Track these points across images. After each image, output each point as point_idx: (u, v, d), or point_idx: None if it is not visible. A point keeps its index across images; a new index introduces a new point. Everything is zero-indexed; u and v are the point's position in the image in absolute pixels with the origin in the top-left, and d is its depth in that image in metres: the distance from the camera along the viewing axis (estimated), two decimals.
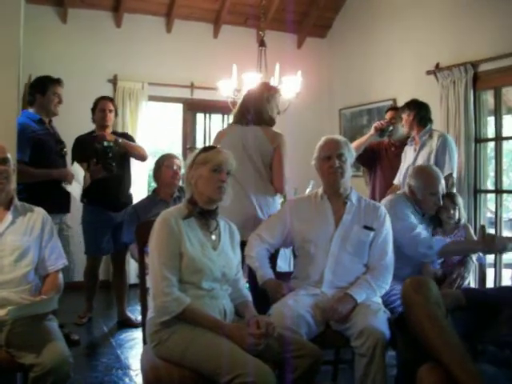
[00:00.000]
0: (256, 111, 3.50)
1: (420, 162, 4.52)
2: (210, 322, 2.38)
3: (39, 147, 4.04)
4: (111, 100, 4.90)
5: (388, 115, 5.12)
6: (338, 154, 3.00)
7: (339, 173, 2.98)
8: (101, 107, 4.71)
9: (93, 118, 4.78)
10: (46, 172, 4.05)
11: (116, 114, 4.89)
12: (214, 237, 2.59)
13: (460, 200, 3.74)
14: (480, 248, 3.28)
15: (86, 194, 4.42)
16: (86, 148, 4.49)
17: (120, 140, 4.59)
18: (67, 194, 4.23)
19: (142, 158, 4.86)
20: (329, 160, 3.00)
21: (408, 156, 4.75)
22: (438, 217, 3.63)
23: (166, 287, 2.37)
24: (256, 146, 3.45)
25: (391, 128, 4.99)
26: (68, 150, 4.44)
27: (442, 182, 3.57)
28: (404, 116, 4.72)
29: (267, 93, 3.56)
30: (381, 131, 4.99)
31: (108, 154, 4.34)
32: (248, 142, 3.46)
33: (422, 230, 3.37)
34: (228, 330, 2.36)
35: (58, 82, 4.18)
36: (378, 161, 5.18)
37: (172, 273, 2.40)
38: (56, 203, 4.01)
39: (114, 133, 4.80)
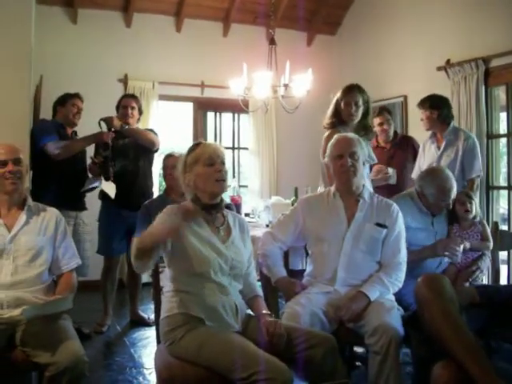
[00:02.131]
0: None
1: (445, 161, 4.39)
2: (155, 229, 2.30)
3: None
4: (134, 97, 5.03)
5: (377, 121, 4.97)
6: (350, 153, 2.98)
7: (351, 171, 2.96)
8: (123, 104, 4.85)
9: (117, 115, 4.85)
10: (84, 138, 4.54)
11: (140, 112, 4.96)
12: (222, 232, 2.60)
13: (474, 196, 3.69)
14: (435, 252, 3.25)
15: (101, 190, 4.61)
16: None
17: (126, 127, 4.66)
18: (81, 193, 4.50)
19: (151, 143, 4.78)
20: (341, 158, 2.99)
21: (430, 153, 4.59)
22: (454, 212, 3.52)
23: None
24: None
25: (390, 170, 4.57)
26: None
27: (455, 187, 3.43)
28: (426, 113, 4.50)
29: None
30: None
31: (107, 163, 4.47)
32: None
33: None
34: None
35: (76, 95, 4.61)
36: None
37: None
38: (71, 201, 4.32)
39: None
